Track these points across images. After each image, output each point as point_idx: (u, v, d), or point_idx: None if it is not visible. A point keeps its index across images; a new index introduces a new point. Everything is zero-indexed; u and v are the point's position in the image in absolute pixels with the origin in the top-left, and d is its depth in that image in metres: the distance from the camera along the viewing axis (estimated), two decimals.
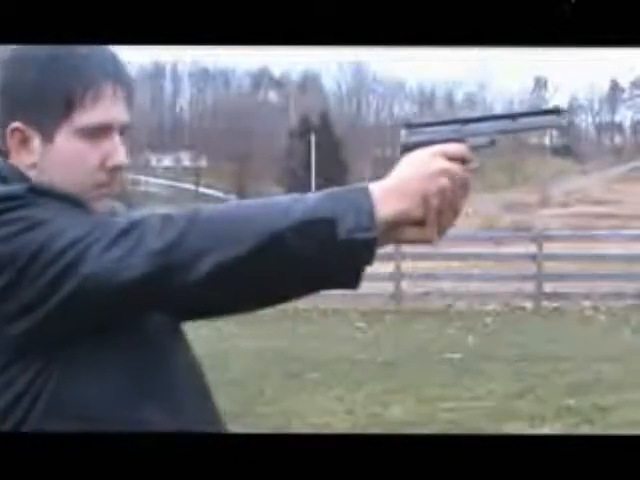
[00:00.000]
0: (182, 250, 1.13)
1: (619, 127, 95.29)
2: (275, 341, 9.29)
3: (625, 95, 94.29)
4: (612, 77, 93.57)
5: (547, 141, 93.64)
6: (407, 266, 12.32)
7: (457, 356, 8.18)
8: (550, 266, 12.39)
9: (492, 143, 1.26)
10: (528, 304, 11.78)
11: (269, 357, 8.33)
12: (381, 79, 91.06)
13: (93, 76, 1.24)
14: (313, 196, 1.16)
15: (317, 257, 1.13)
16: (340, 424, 5.99)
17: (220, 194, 72.78)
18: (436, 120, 1.27)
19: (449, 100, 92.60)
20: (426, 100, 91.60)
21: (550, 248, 12.81)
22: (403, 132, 1.26)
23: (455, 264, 14.02)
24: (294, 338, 9.64)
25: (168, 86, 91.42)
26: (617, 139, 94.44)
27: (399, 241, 1.23)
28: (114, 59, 1.27)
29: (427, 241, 1.21)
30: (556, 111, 1.26)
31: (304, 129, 65.16)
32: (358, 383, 7.15)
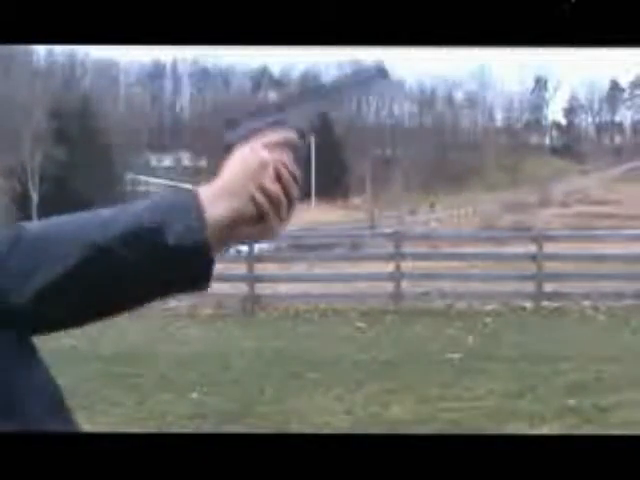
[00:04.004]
0: (7, 274, 1.11)
1: (619, 127, 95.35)
2: (275, 341, 9.29)
3: (625, 95, 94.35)
4: (612, 77, 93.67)
5: (547, 141, 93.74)
6: (407, 266, 12.31)
7: (457, 356, 8.18)
8: (550, 266, 12.38)
9: (314, 124, 1.23)
10: (528, 304, 11.77)
11: (269, 357, 8.33)
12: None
13: None
14: (140, 204, 1.15)
15: (150, 265, 1.12)
16: (340, 424, 5.99)
17: None
18: (253, 111, 1.24)
19: (449, 100, 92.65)
20: (426, 100, 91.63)
21: (550, 248, 12.80)
22: (225, 132, 1.23)
23: (455, 264, 14.02)
24: (294, 338, 9.64)
25: (168, 86, 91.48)
26: (617, 139, 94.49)
27: (241, 240, 1.21)
28: None
29: (268, 237, 1.20)
30: (379, 70, 1.24)
31: None
32: (358, 383, 7.14)
